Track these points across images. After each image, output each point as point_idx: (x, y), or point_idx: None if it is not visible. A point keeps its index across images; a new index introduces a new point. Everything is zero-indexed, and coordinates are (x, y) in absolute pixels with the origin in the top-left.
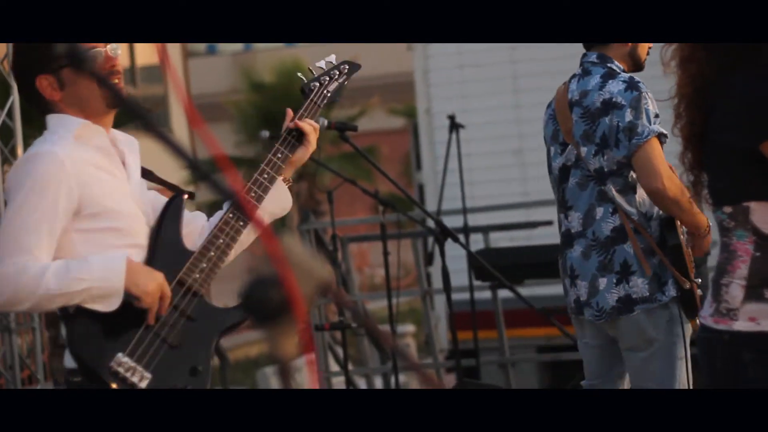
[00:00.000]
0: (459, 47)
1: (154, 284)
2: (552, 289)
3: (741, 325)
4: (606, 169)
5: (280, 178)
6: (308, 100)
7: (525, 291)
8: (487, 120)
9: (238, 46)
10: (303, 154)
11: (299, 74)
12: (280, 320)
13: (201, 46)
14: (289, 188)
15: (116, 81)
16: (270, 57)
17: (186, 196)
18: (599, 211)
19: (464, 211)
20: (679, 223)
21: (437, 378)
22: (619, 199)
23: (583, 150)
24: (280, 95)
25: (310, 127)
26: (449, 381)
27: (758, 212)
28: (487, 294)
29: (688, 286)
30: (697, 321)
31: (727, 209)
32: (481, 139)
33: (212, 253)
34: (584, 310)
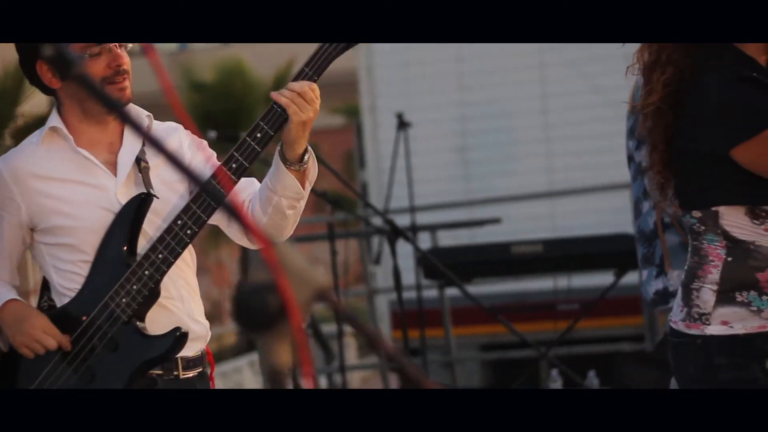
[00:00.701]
0: (404, 44)
1: (20, 339)
2: (498, 287)
3: (713, 329)
4: (644, 164)
5: (279, 163)
6: (315, 52)
7: (471, 289)
8: (431, 118)
9: (174, 45)
10: (288, 132)
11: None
12: (276, 328)
13: (136, 46)
14: (303, 170)
15: (118, 81)
16: (209, 56)
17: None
18: (645, 205)
19: (412, 209)
20: None
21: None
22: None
23: (629, 144)
24: (220, 95)
25: (288, 97)
26: (395, 381)
27: (728, 216)
28: (430, 293)
29: None
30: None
31: (696, 214)
32: (424, 137)
33: (146, 272)
34: None
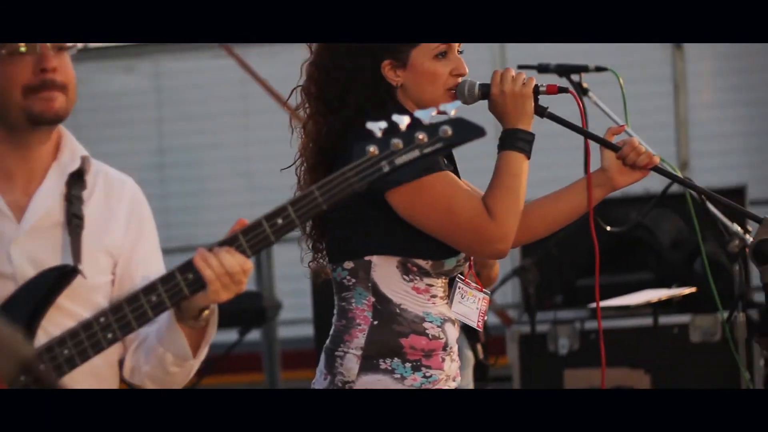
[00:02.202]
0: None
1: None
2: None
3: None
4: None
5: (171, 313)
6: (335, 175)
7: None
8: (128, 165)
9: None
10: (192, 299)
11: (372, 125)
12: None
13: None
14: (199, 329)
15: (44, 91)
16: None
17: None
18: None
19: None
20: None
21: None
22: None
23: None
24: None
25: (216, 272)
26: None
27: (380, 268)
28: None
29: None
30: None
31: (348, 264)
32: None
33: (41, 366)
34: None
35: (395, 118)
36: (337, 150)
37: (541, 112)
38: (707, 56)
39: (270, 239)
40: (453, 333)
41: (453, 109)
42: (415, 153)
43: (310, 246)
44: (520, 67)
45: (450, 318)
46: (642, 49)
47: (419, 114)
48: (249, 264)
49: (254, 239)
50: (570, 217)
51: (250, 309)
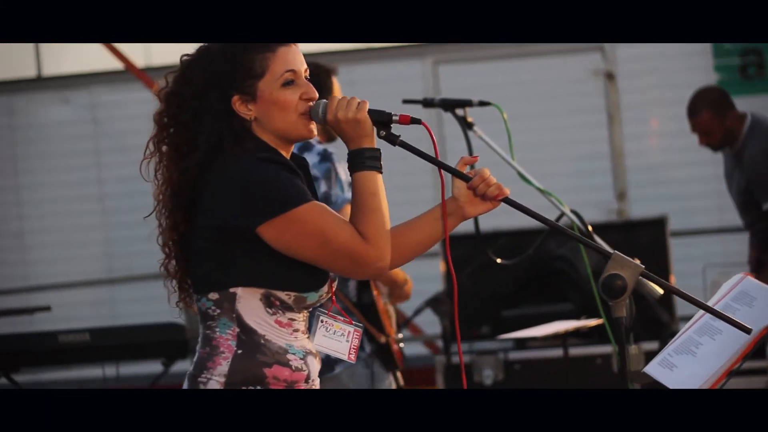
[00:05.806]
0: None
1: None
2: (46, 376)
3: None
4: None
5: None
6: None
7: (19, 378)
8: (68, 196)
9: None
10: None
11: None
12: None
13: None
14: None
15: None
16: None
17: None
18: None
19: None
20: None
21: None
22: None
23: None
24: None
25: None
26: None
27: (244, 299)
28: None
29: (383, 340)
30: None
31: (213, 296)
32: None
33: None
34: None
35: None
36: (194, 191)
37: (393, 140)
38: (642, 87)
39: None
40: (315, 366)
41: None
42: None
43: (176, 286)
44: (405, 101)
45: (312, 351)
46: (575, 81)
47: None
48: None
49: None
50: (427, 245)
51: (174, 341)
